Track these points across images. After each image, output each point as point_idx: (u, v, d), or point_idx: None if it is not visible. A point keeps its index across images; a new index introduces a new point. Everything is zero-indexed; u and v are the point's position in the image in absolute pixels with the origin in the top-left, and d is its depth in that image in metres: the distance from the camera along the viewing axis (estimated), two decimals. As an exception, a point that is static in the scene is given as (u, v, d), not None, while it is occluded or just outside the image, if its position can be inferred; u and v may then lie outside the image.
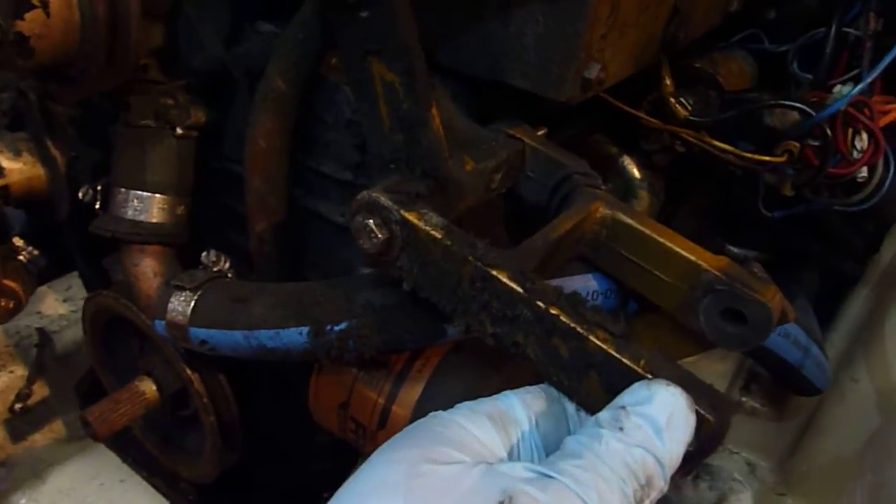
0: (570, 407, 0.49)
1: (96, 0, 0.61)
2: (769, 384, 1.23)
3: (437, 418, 0.46)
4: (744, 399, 1.24)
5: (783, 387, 1.08)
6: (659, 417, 0.41)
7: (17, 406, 1.07)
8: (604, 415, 0.43)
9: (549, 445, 0.46)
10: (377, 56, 0.52)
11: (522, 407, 0.47)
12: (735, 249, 1.16)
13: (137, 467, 1.06)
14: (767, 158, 0.77)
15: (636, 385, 0.44)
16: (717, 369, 1.22)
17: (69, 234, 0.98)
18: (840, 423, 1.07)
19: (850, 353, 1.07)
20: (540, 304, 0.48)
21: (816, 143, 0.76)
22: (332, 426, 0.72)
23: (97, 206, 0.76)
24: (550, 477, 0.39)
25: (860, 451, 1.04)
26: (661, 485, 0.41)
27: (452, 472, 0.40)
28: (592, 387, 0.47)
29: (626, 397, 0.43)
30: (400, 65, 0.52)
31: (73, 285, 1.22)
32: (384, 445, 0.44)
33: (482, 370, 0.65)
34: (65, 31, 0.61)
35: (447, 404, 0.66)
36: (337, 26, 0.54)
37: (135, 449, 1.04)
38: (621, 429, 0.41)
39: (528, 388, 0.49)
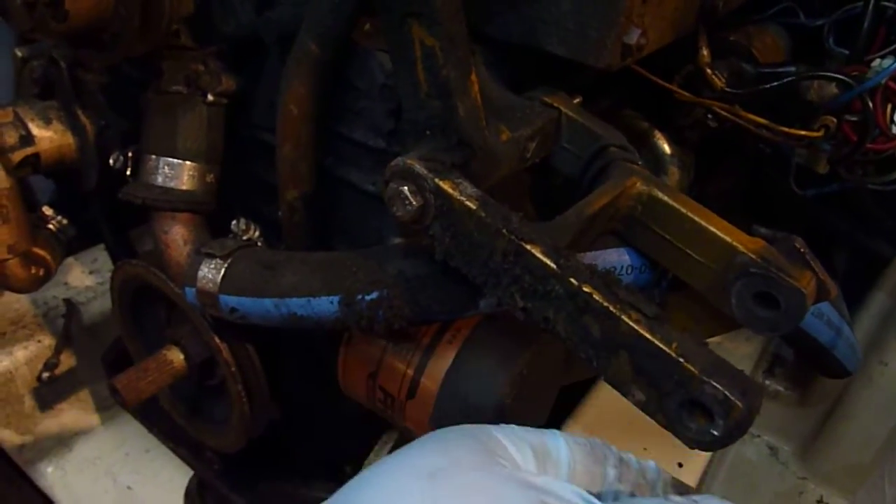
0: (612, 474, 0.44)
1: (131, -37, 0.60)
2: (793, 368, 1.22)
3: (470, 427, 0.42)
4: (767, 382, 1.23)
5: (812, 368, 1.07)
6: None
7: (45, 375, 1.08)
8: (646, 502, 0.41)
9: None
10: (417, 19, 0.51)
11: (567, 452, 0.43)
12: (762, 229, 1.14)
13: (163, 437, 1.07)
14: (804, 133, 0.76)
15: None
16: (741, 351, 1.21)
17: (97, 205, 0.99)
18: (867, 407, 1.06)
19: (880, 335, 1.06)
20: (573, 280, 0.47)
21: (854, 118, 0.75)
22: (360, 396, 0.72)
23: (128, 173, 0.76)
24: None
25: (888, 436, 1.03)
26: None
27: (486, 475, 0.37)
28: (622, 366, 0.47)
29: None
30: (441, 29, 0.51)
31: (100, 258, 1.23)
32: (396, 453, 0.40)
33: (513, 343, 0.65)
34: (98, -6, 0.61)
35: (476, 377, 0.65)
36: (375, -12, 0.53)
37: (160, 419, 1.04)
38: None
39: (578, 437, 0.45)
